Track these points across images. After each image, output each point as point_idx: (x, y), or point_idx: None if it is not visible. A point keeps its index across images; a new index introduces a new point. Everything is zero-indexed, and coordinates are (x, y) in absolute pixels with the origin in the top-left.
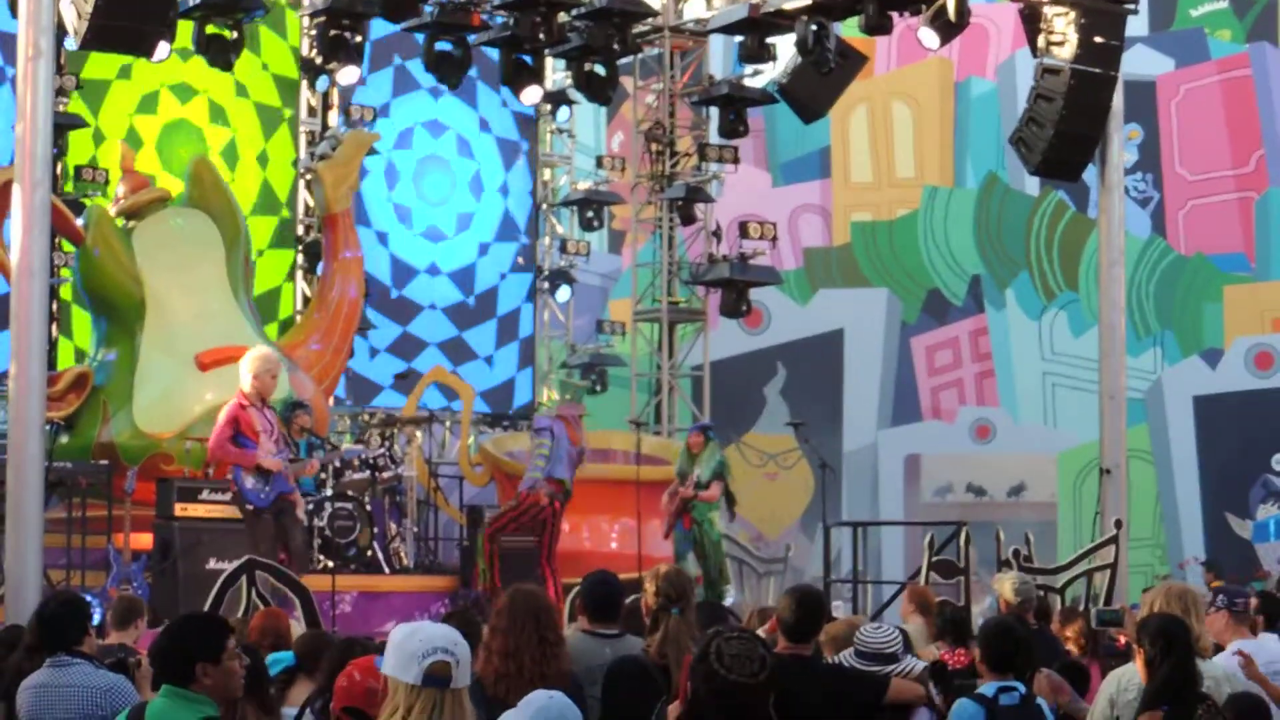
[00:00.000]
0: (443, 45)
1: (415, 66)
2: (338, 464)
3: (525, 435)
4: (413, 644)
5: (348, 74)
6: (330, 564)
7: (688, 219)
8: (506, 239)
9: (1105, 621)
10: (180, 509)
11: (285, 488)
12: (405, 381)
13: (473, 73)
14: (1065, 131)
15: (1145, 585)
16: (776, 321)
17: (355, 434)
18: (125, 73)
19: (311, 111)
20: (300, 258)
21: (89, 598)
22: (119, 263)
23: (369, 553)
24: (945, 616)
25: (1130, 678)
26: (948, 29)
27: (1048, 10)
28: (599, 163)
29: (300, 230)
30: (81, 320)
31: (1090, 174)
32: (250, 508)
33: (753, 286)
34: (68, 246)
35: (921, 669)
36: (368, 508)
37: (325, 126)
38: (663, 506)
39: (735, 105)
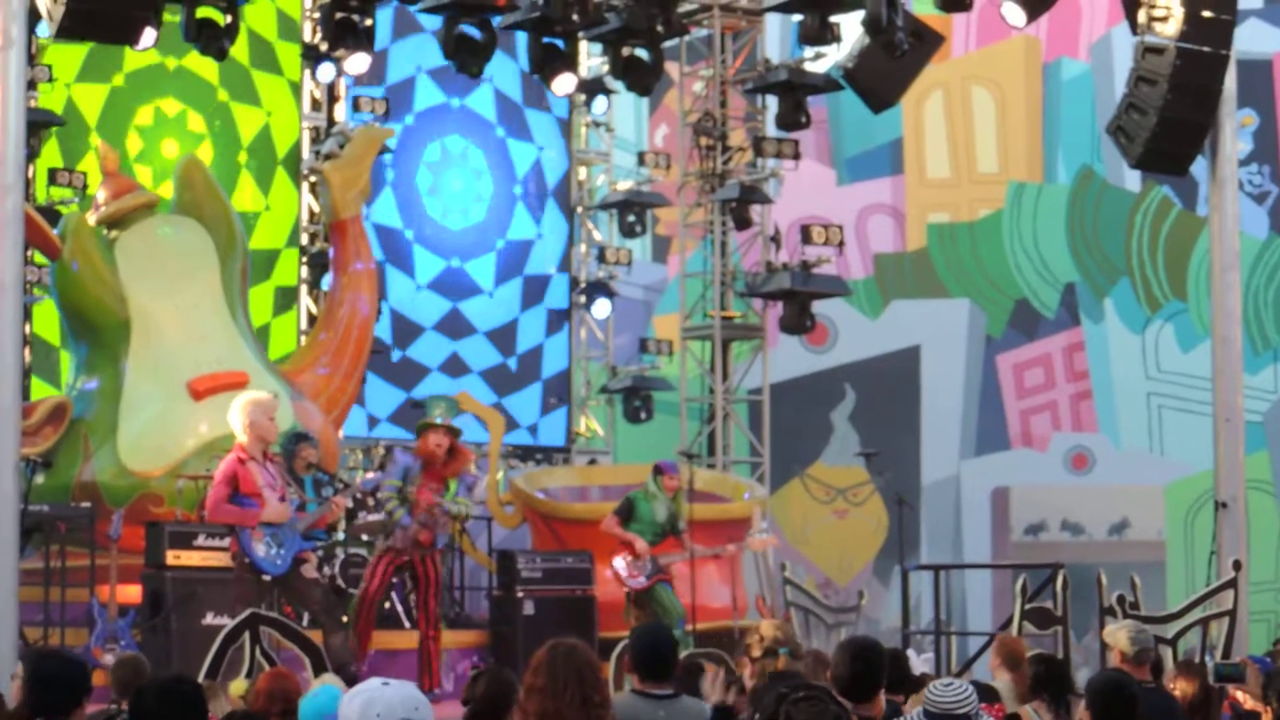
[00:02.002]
0: (464, 28)
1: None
2: (351, 502)
3: (562, 470)
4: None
5: (357, 62)
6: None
7: (742, 222)
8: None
9: (1224, 676)
10: (173, 557)
11: (301, 546)
12: (418, 410)
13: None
14: (1170, 119)
15: (1271, 635)
16: (844, 338)
17: (369, 470)
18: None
19: (315, 105)
20: (305, 271)
21: None
22: (100, 278)
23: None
24: (1041, 670)
25: None
26: (1035, 3)
27: None
28: (641, 160)
29: (305, 239)
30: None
31: (1199, 167)
32: (266, 578)
33: (817, 298)
34: (41, 260)
35: None
36: None
37: (331, 122)
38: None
39: (795, 93)
